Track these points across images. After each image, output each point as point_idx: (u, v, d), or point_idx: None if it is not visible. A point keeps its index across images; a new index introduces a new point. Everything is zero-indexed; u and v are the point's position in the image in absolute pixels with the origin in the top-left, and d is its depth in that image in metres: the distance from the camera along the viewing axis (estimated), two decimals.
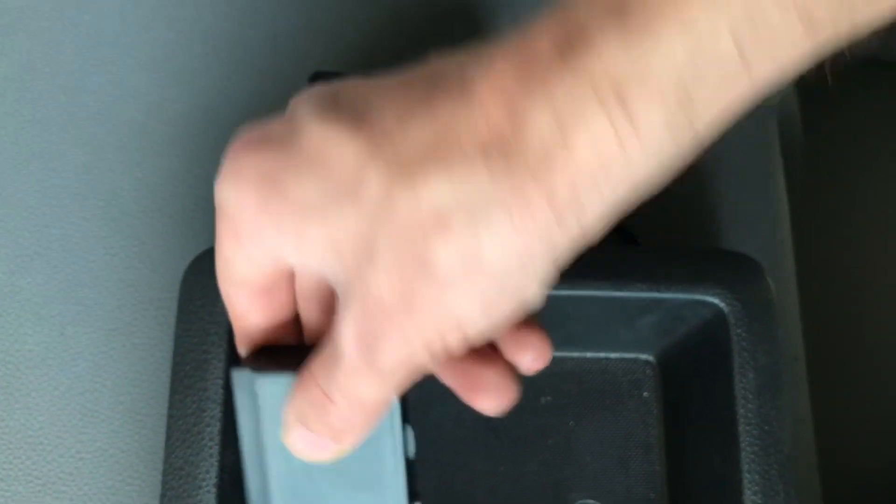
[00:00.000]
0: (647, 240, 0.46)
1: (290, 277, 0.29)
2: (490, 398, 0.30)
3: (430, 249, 0.24)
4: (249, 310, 0.29)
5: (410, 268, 0.25)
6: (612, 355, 0.42)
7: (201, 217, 0.47)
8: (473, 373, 0.30)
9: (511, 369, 0.30)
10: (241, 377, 0.30)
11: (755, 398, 0.38)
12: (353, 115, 0.25)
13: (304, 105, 0.26)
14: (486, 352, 0.30)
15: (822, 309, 0.67)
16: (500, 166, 0.24)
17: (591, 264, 0.40)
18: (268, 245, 0.27)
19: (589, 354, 0.42)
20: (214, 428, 0.37)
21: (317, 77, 0.44)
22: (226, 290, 0.29)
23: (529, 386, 0.41)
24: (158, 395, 0.44)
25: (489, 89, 0.24)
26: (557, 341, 0.42)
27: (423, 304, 0.25)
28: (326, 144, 0.25)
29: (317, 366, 0.28)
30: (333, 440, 0.29)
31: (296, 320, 0.31)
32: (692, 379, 0.41)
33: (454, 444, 0.41)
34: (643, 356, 0.42)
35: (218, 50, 0.50)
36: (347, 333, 0.26)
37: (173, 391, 0.38)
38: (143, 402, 0.44)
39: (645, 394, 0.42)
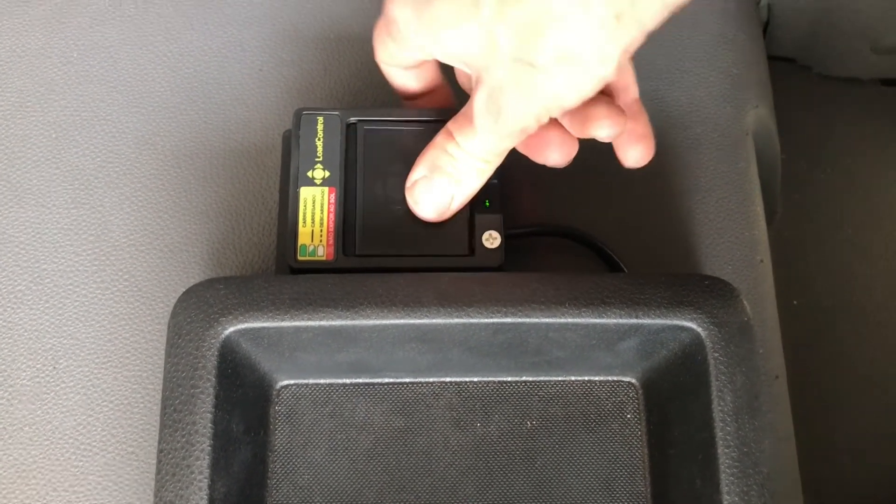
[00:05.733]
0: (631, 266, 0.47)
1: (434, 62, 0.43)
2: (603, 126, 0.40)
3: (532, 49, 0.35)
4: (405, 81, 0.44)
5: (521, 63, 0.36)
6: (596, 378, 0.42)
7: (191, 251, 0.47)
8: (584, 114, 0.40)
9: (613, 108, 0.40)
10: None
11: (733, 420, 0.39)
12: None
13: None
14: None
15: (803, 327, 0.68)
16: None
17: (572, 291, 0.41)
18: (418, 43, 0.40)
19: (573, 378, 0.42)
20: (203, 462, 0.37)
21: (301, 114, 0.45)
22: (387, 70, 0.44)
23: (515, 410, 0.42)
24: (150, 428, 0.44)
25: None
26: (542, 366, 0.42)
27: (532, 88, 0.37)
28: None
29: (453, 124, 0.41)
30: (454, 184, 0.41)
31: (442, 88, 0.45)
32: (674, 401, 0.41)
33: (442, 468, 0.41)
34: (626, 379, 0.43)
35: (205, 84, 0.51)
36: (480, 104, 0.38)
37: (163, 425, 0.38)
38: (135, 435, 0.44)
39: (628, 416, 0.42)
